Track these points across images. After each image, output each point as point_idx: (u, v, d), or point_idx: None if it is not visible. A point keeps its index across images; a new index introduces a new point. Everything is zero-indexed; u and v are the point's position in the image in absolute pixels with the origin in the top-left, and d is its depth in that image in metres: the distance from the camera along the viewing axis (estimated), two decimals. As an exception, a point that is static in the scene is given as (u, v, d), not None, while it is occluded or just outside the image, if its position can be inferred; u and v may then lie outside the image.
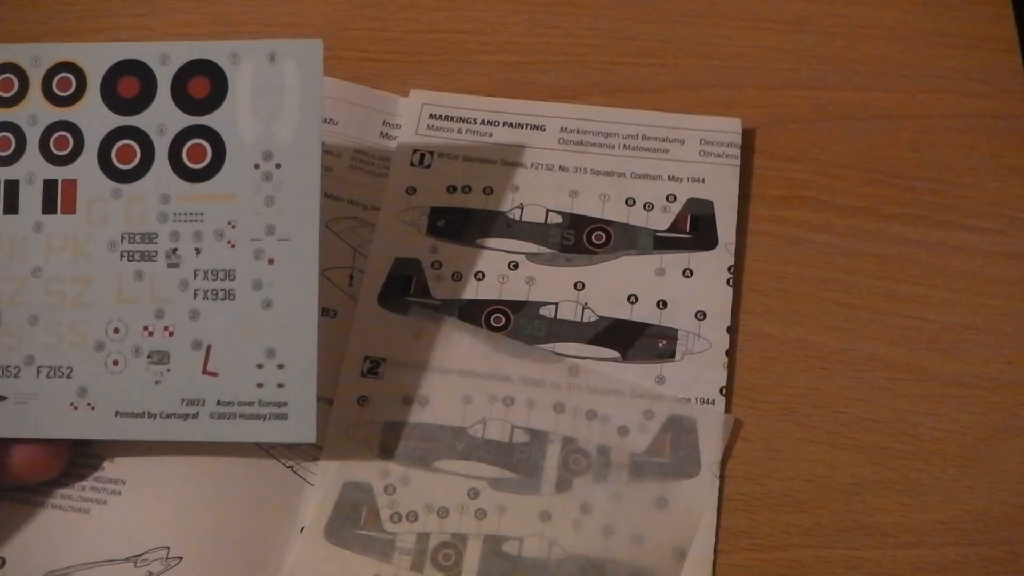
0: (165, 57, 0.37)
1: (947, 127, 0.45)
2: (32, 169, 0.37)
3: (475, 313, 0.41)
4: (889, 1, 0.49)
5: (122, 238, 0.36)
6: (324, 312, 0.41)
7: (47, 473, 0.37)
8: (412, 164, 0.44)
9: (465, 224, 0.43)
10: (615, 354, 0.40)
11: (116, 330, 0.36)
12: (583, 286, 0.41)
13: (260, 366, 0.36)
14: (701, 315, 0.40)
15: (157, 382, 0.36)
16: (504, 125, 0.45)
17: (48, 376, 0.36)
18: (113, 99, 0.37)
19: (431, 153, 0.45)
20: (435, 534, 0.37)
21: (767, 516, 0.37)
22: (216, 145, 0.36)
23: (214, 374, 0.36)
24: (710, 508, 0.37)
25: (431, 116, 0.46)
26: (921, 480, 0.38)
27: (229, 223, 0.36)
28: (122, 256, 0.36)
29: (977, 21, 0.48)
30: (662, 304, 0.41)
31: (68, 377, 0.36)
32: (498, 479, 0.38)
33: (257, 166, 0.36)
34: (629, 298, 0.41)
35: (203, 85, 0.37)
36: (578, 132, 0.45)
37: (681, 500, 0.37)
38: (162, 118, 0.37)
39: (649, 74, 0.47)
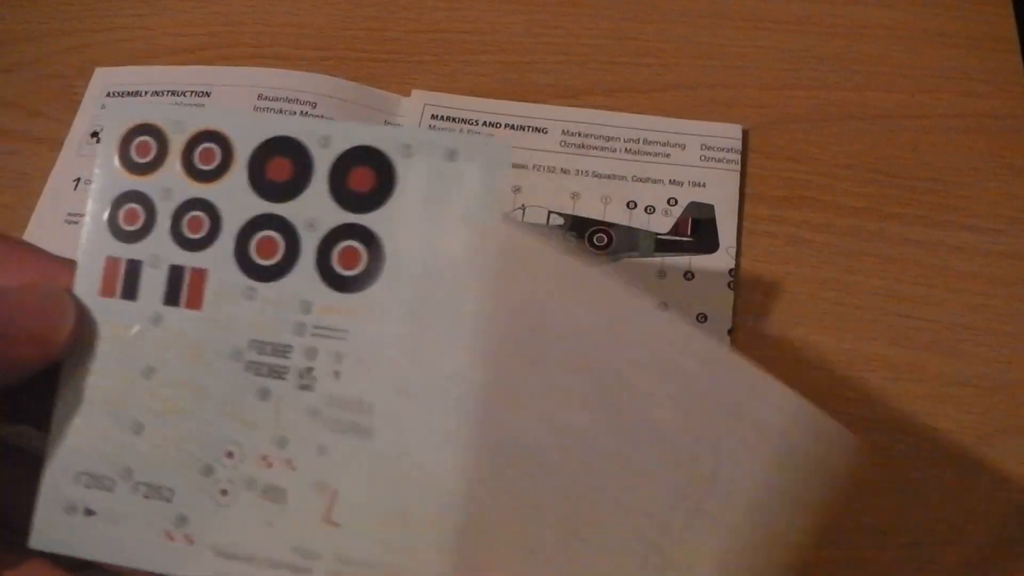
0: (327, 139, 0.30)
1: (947, 127, 0.45)
2: (159, 250, 0.31)
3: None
4: (889, 1, 0.49)
5: (250, 347, 0.30)
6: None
7: None
8: (413, 165, 0.44)
9: (467, 226, 0.43)
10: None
11: (230, 454, 0.30)
12: (584, 288, 0.41)
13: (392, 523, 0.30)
14: (702, 318, 0.41)
15: (269, 523, 0.30)
16: (506, 127, 0.45)
17: (145, 496, 0.30)
18: (260, 181, 0.30)
19: (432, 154, 0.44)
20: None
21: (768, 516, 0.37)
22: (374, 251, 0.30)
23: (336, 524, 0.30)
24: (711, 509, 0.37)
25: (433, 116, 0.46)
26: (921, 480, 0.38)
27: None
28: (247, 368, 0.30)
29: (977, 21, 0.48)
30: (663, 307, 0.41)
31: (168, 500, 0.30)
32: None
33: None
34: (630, 300, 0.41)
35: (367, 177, 0.30)
36: (580, 135, 0.45)
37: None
38: (314, 210, 0.30)
39: (649, 74, 0.47)
